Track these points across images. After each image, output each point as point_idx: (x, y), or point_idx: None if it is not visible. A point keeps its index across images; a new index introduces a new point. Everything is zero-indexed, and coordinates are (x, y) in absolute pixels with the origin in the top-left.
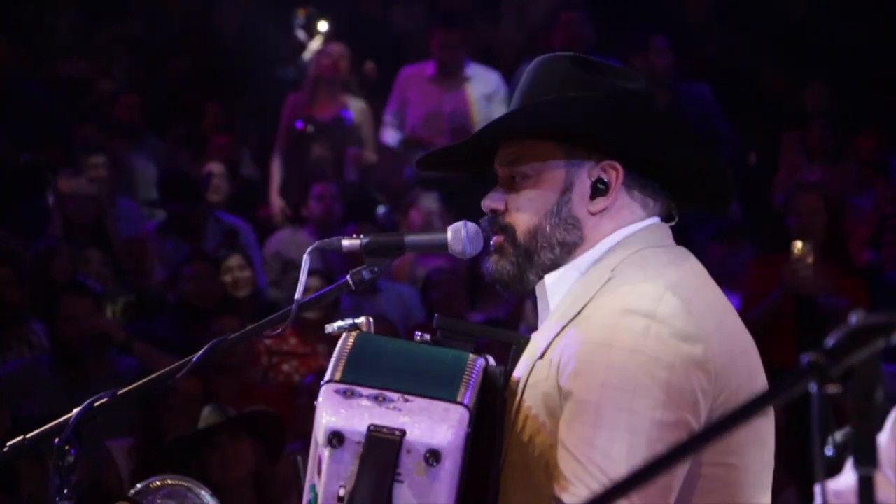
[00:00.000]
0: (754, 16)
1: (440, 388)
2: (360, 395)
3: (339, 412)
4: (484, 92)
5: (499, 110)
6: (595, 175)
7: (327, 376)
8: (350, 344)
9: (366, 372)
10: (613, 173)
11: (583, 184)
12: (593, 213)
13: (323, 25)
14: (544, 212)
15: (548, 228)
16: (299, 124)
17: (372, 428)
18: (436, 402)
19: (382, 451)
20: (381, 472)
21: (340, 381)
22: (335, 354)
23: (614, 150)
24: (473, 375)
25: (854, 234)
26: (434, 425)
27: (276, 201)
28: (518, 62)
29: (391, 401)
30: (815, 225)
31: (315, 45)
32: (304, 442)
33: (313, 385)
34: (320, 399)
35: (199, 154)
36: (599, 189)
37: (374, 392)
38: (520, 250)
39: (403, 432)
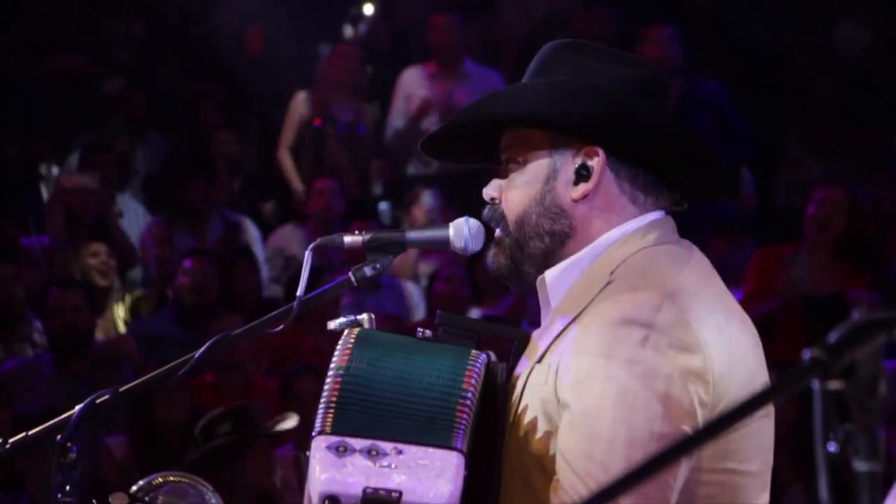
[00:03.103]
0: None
1: (435, 428)
2: (353, 451)
3: (332, 474)
4: (483, 89)
5: None
6: (578, 161)
7: (318, 425)
8: (349, 347)
9: (356, 413)
10: (595, 158)
11: (567, 171)
12: (576, 200)
13: (368, 8)
14: (529, 200)
15: (533, 217)
16: (318, 123)
17: (368, 490)
18: (430, 451)
19: None
20: None
21: (332, 434)
22: (330, 370)
23: (594, 137)
24: (472, 385)
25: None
26: (430, 483)
27: (300, 187)
28: (518, 59)
29: (384, 454)
30: (835, 220)
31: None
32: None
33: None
34: (312, 455)
35: (200, 150)
36: (582, 175)
37: (367, 444)
38: (511, 241)
39: (400, 493)
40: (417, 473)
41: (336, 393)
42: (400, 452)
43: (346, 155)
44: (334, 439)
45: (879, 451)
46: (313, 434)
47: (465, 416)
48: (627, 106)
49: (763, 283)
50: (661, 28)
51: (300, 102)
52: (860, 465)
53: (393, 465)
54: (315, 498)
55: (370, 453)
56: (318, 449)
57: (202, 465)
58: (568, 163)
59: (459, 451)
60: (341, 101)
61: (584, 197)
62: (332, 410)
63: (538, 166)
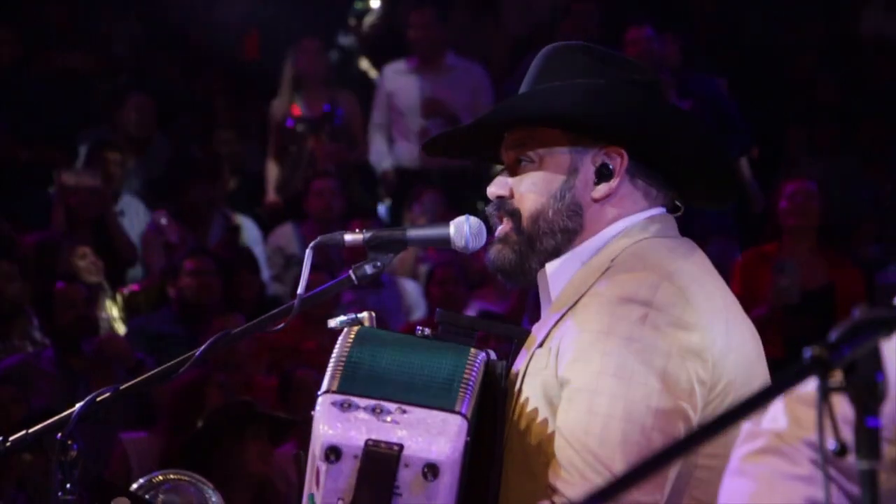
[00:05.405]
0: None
1: (438, 395)
2: (357, 407)
3: (335, 426)
4: (468, 84)
5: (483, 103)
6: (599, 161)
7: (324, 386)
8: (349, 342)
9: (362, 380)
10: (618, 159)
11: (587, 170)
12: (596, 200)
13: (375, 1)
14: (548, 196)
15: (550, 213)
16: (290, 123)
17: (370, 443)
18: (433, 413)
19: (380, 466)
20: (380, 487)
21: (337, 392)
22: (333, 357)
23: (619, 137)
24: (472, 377)
25: (858, 229)
26: (432, 439)
27: (272, 198)
28: (518, 59)
29: (388, 412)
30: (809, 210)
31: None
32: (303, 439)
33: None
34: (317, 410)
35: (202, 149)
36: (603, 174)
37: (371, 403)
38: (522, 237)
39: (401, 447)
40: (419, 430)
41: (344, 357)
42: (404, 412)
43: (329, 147)
44: (339, 397)
45: (879, 449)
46: (319, 393)
47: (470, 383)
48: (654, 107)
49: (748, 286)
50: (639, 29)
51: (275, 108)
52: (860, 464)
53: (396, 422)
54: (318, 450)
55: (374, 411)
56: (323, 405)
57: (198, 445)
58: (588, 161)
59: (462, 415)
60: (311, 95)
61: (606, 197)
62: (338, 373)
63: (557, 164)
